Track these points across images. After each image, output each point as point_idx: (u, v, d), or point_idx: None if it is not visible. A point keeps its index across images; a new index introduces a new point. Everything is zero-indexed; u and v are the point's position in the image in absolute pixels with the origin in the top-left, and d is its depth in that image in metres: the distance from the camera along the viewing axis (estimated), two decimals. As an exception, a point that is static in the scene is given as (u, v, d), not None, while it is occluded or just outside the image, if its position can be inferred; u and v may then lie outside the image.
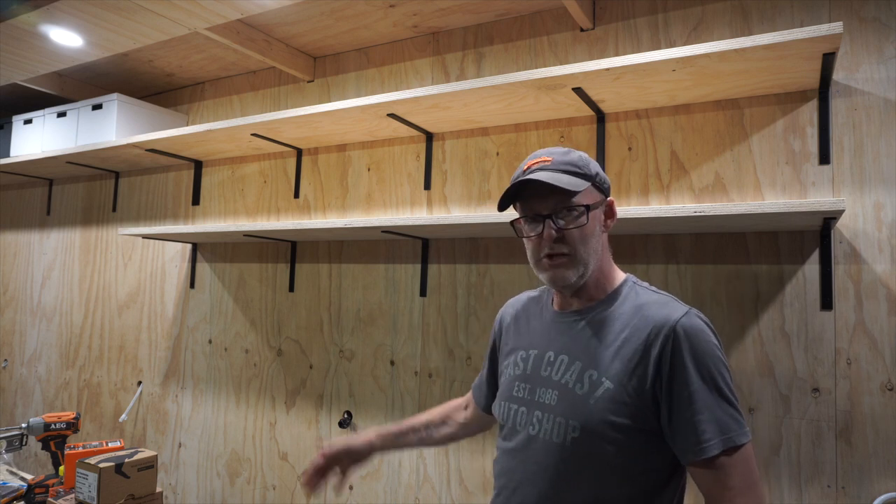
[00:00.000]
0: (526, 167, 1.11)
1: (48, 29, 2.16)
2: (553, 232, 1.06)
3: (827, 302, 1.57)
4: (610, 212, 1.14)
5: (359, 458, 1.34)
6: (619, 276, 1.15)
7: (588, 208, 1.06)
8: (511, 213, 1.41)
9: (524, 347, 1.18)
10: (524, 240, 1.13)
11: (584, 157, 1.12)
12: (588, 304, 1.12)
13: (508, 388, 1.17)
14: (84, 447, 1.84)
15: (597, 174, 1.11)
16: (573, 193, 1.05)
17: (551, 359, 1.10)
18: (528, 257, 1.13)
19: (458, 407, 1.43)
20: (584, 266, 1.07)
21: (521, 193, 1.10)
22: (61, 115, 2.91)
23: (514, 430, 1.12)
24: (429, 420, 1.41)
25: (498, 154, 2.11)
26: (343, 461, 1.33)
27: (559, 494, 1.02)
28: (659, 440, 1.01)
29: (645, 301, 1.07)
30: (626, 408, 1.00)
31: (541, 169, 1.08)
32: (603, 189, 1.12)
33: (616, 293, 1.11)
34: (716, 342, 1.02)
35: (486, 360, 1.35)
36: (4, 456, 2.15)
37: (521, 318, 1.24)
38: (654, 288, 1.12)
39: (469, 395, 1.42)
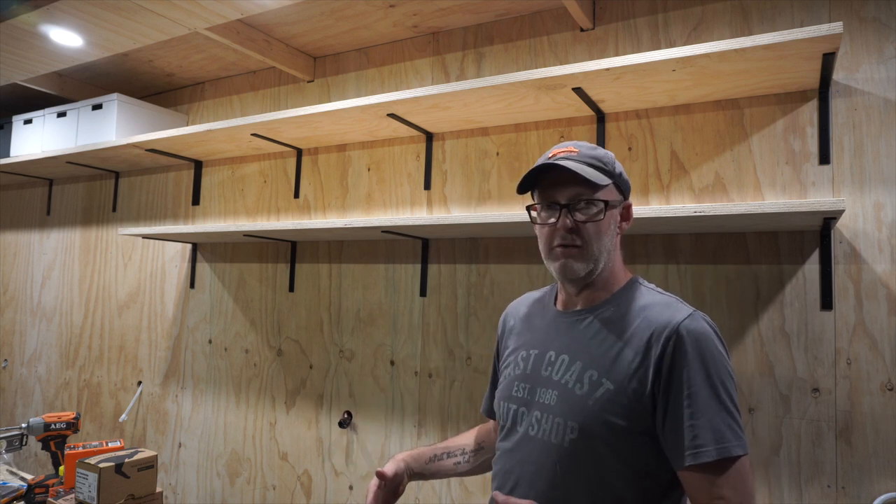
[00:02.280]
0: (551, 155, 1.09)
1: (48, 29, 2.16)
2: (568, 222, 1.05)
3: (827, 302, 1.57)
4: (626, 214, 1.13)
5: (396, 486, 1.19)
6: (626, 276, 1.14)
7: (607, 204, 1.06)
8: (521, 202, 1.39)
9: (525, 347, 1.16)
10: (536, 228, 1.11)
11: (611, 155, 1.11)
12: (592, 303, 1.10)
13: (508, 387, 1.15)
14: (84, 447, 1.83)
15: (620, 174, 1.10)
16: (596, 187, 1.04)
17: (552, 358, 1.09)
18: (540, 246, 1.11)
19: (489, 430, 1.37)
20: (594, 262, 1.06)
21: (542, 180, 1.09)
22: (61, 115, 2.91)
23: (512, 429, 1.11)
24: (465, 444, 1.32)
25: (498, 154, 2.10)
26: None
27: (556, 496, 1.00)
28: (659, 445, 0.99)
29: (649, 302, 1.06)
30: (626, 410, 0.98)
31: (566, 158, 1.06)
32: (623, 190, 1.12)
33: (621, 293, 1.09)
34: (722, 350, 0.99)
35: (493, 366, 1.34)
36: (4, 456, 2.15)
37: (524, 318, 1.23)
38: (660, 289, 1.11)
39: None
